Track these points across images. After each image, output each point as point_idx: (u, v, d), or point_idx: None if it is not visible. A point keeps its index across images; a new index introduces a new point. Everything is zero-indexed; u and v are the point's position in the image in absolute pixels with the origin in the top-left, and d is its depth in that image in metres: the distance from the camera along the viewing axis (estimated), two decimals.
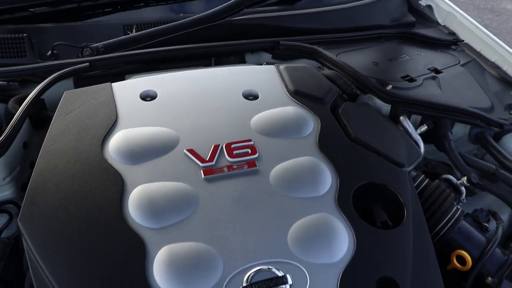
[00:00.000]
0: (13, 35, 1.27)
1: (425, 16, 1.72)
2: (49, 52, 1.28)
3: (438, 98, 1.18)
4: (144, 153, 0.85)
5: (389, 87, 1.18)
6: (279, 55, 1.34)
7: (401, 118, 1.12)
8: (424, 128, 1.15)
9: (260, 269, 0.70)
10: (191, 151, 0.85)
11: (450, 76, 1.31)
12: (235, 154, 0.85)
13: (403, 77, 1.25)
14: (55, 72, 1.12)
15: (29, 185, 0.80)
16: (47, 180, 0.80)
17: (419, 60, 1.37)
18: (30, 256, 0.72)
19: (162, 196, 0.77)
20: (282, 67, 1.12)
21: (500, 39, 1.49)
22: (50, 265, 0.70)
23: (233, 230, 0.74)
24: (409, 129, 1.10)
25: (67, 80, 1.15)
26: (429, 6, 1.73)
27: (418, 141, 1.08)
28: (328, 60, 1.26)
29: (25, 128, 1.02)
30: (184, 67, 1.23)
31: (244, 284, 0.68)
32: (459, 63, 1.41)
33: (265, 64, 1.29)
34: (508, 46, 1.46)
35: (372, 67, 1.30)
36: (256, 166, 0.84)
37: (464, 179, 1.08)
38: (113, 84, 1.02)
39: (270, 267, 0.70)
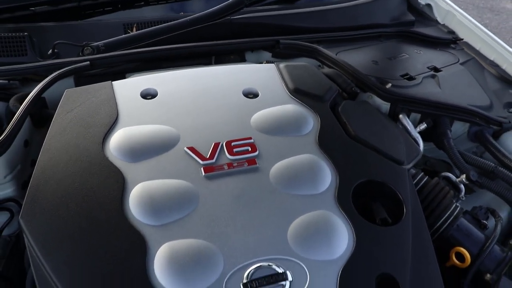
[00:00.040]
0: (14, 34, 1.27)
1: (425, 15, 1.72)
2: (50, 51, 1.28)
3: (437, 96, 1.18)
4: (144, 151, 0.85)
5: (389, 85, 1.18)
6: (279, 54, 1.34)
7: (401, 116, 1.13)
8: (423, 126, 1.15)
9: (260, 265, 0.70)
10: (191, 149, 0.86)
11: (449, 74, 1.32)
12: (235, 152, 0.86)
13: (402, 76, 1.25)
14: (56, 71, 1.12)
15: (30, 183, 0.80)
16: (48, 178, 0.81)
17: (419, 59, 1.38)
18: (31, 253, 0.73)
19: (162, 194, 0.77)
20: (282, 65, 1.12)
21: (499, 38, 1.49)
22: (52, 262, 0.70)
23: (234, 227, 0.74)
24: (409, 127, 1.11)
25: (68, 79, 1.15)
26: (429, 5, 1.73)
27: (417, 139, 1.09)
28: (328, 58, 1.26)
29: (26, 127, 1.02)
30: (184, 66, 1.23)
31: (245, 281, 0.68)
32: (458, 61, 1.41)
33: (265, 63, 1.29)
34: (508, 45, 1.47)
35: (372, 66, 1.30)
36: (256, 163, 0.84)
37: (463, 177, 1.08)
38: (113, 82, 1.03)
39: (270, 263, 0.70)
